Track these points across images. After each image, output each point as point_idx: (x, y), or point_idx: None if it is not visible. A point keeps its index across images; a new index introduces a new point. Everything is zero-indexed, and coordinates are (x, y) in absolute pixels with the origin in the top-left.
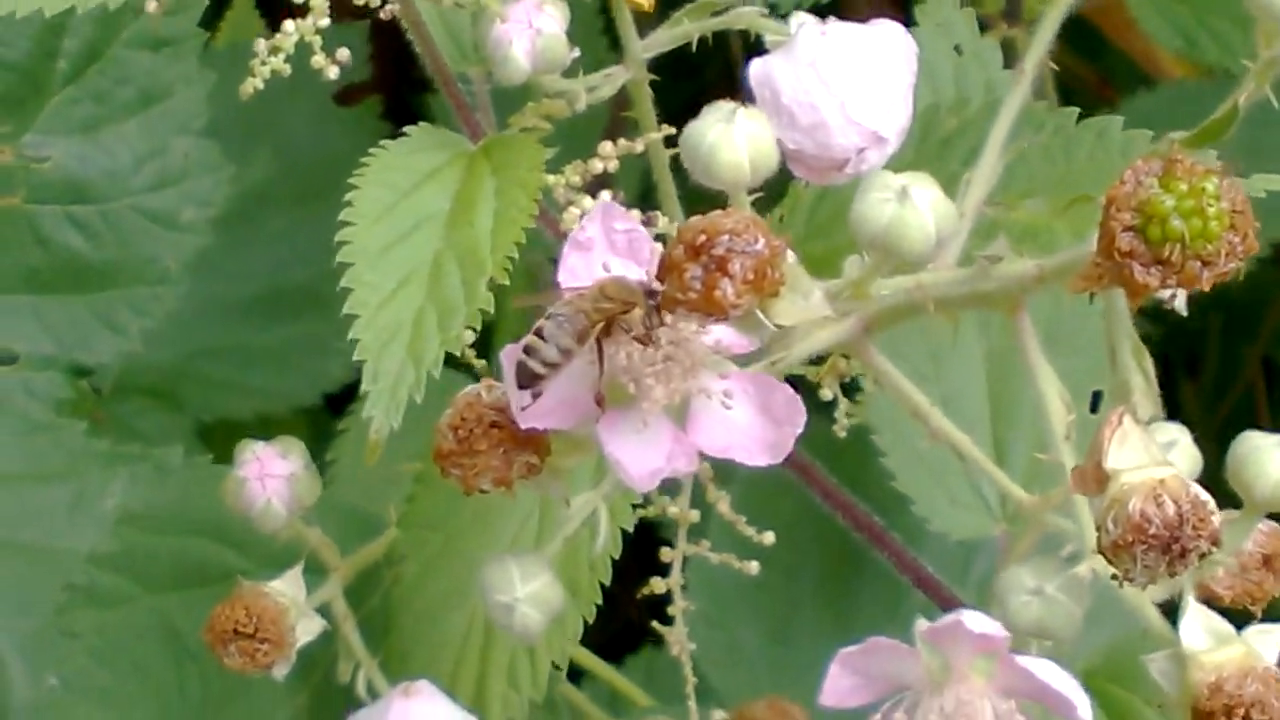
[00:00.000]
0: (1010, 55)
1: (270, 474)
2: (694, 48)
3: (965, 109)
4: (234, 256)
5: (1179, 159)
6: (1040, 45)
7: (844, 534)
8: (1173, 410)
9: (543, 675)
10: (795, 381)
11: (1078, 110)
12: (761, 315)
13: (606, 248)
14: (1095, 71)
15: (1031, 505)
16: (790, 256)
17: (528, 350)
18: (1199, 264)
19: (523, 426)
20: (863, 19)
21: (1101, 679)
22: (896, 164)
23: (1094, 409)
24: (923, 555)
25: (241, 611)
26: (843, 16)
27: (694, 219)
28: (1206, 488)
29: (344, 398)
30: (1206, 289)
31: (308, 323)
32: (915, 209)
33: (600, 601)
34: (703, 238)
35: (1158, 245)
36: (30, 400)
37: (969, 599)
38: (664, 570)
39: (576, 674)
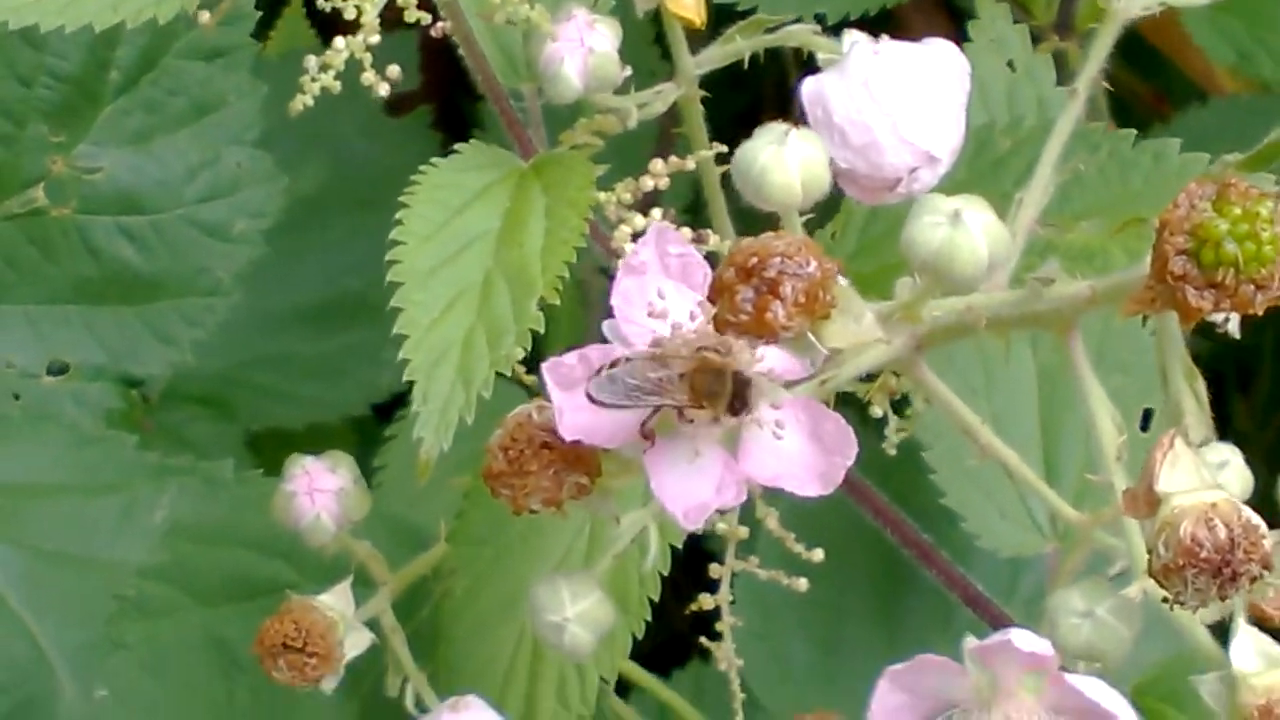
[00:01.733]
0: (1063, 69)
1: (319, 488)
2: (746, 64)
3: (1019, 129)
4: (285, 266)
5: (1233, 182)
6: (1094, 62)
7: (893, 550)
8: (1224, 426)
9: (591, 692)
10: (844, 398)
11: (1134, 132)
12: (813, 338)
13: (660, 271)
14: (1150, 87)
15: (1081, 524)
16: (842, 279)
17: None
18: (1252, 288)
19: (565, 438)
20: (916, 36)
21: (1152, 698)
22: (949, 183)
23: (1144, 428)
24: (971, 572)
25: (290, 626)
26: (896, 33)
27: (745, 241)
28: (1258, 507)
29: (392, 404)
30: (1260, 313)
31: (359, 333)
32: (967, 233)
33: (649, 618)
34: (754, 260)
35: (1211, 269)
36: (80, 411)
37: (1017, 615)
38: (713, 586)
39: (624, 688)
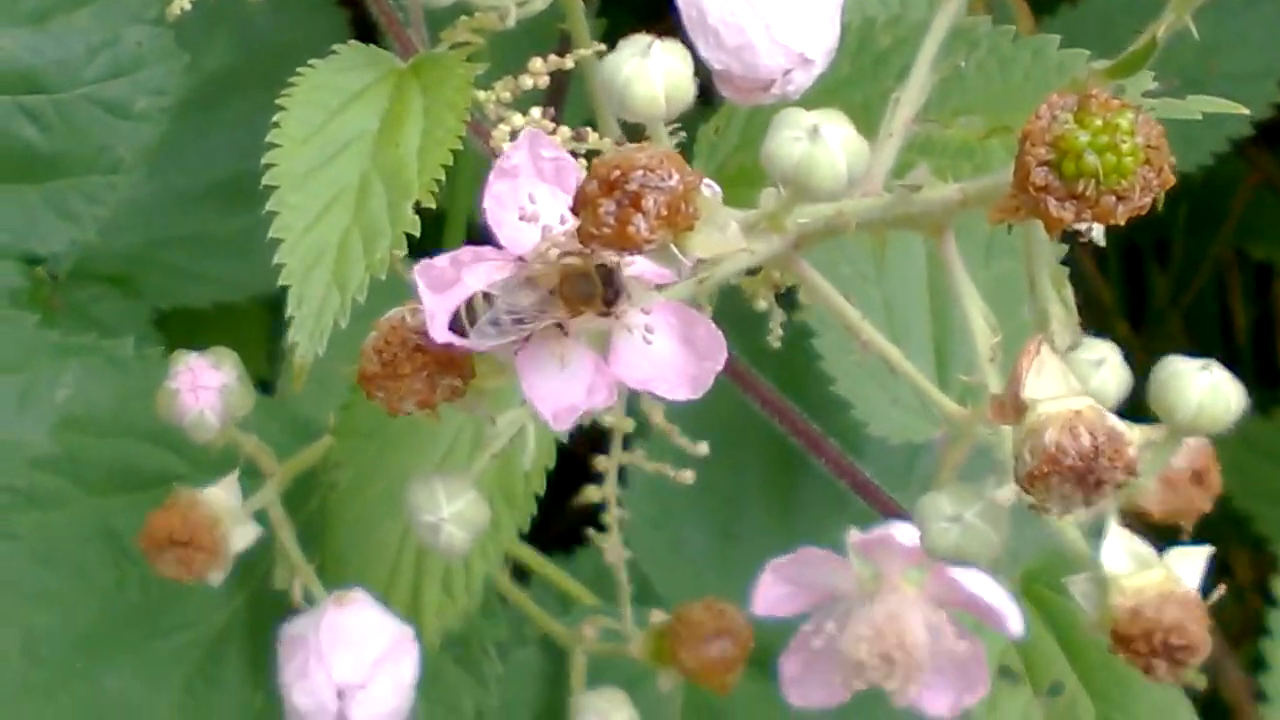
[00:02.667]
0: None
1: (202, 385)
2: None
3: (900, 24)
4: (193, 145)
5: (1094, 94)
6: None
7: (786, 438)
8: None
9: (477, 582)
10: (731, 290)
11: (1013, 28)
12: (676, 250)
13: (534, 175)
14: None
15: (962, 418)
16: (707, 190)
17: (472, 311)
18: (1113, 199)
19: (436, 340)
20: None
21: (1040, 584)
22: (830, 79)
23: None
24: (867, 457)
25: (176, 520)
26: None
27: (608, 153)
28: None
29: None
30: (1121, 223)
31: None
32: (826, 147)
33: (535, 512)
34: (617, 173)
35: (1072, 181)
36: None
37: (913, 499)
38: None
39: (524, 574)
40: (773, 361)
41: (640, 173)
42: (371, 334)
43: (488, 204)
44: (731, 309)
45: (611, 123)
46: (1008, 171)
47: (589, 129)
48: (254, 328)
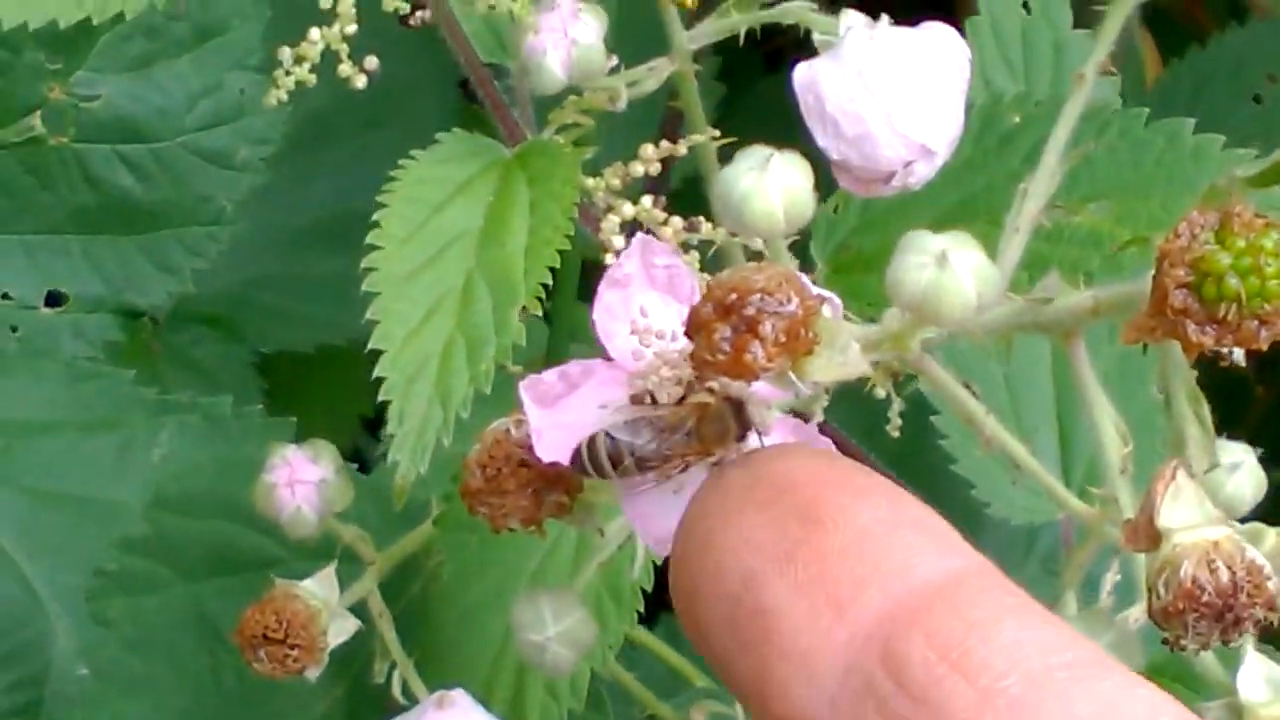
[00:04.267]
0: (1081, 10)
1: (300, 480)
2: (741, 41)
3: (1027, 102)
4: (293, 186)
5: (1237, 211)
6: (1110, 33)
7: None
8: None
9: (583, 685)
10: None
11: (1146, 111)
12: (794, 377)
13: (645, 283)
14: None
15: (1090, 517)
16: (828, 310)
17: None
18: (1256, 323)
19: (543, 458)
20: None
21: (1167, 678)
22: (955, 160)
23: None
24: (984, 533)
25: (271, 617)
26: None
27: (725, 273)
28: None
29: None
30: (1264, 348)
31: None
32: (954, 275)
33: (641, 609)
34: (733, 296)
35: (1213, 304)
36: (78, 343)
37: (1034, 576)
38: None
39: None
40: (887, 436)
41: (758, 296)
42: (475, 447)
43: (598, 315)
44: (844, 386)
45: None
46: (1143, 278)
47: (702, 219)
48: (358, 370)
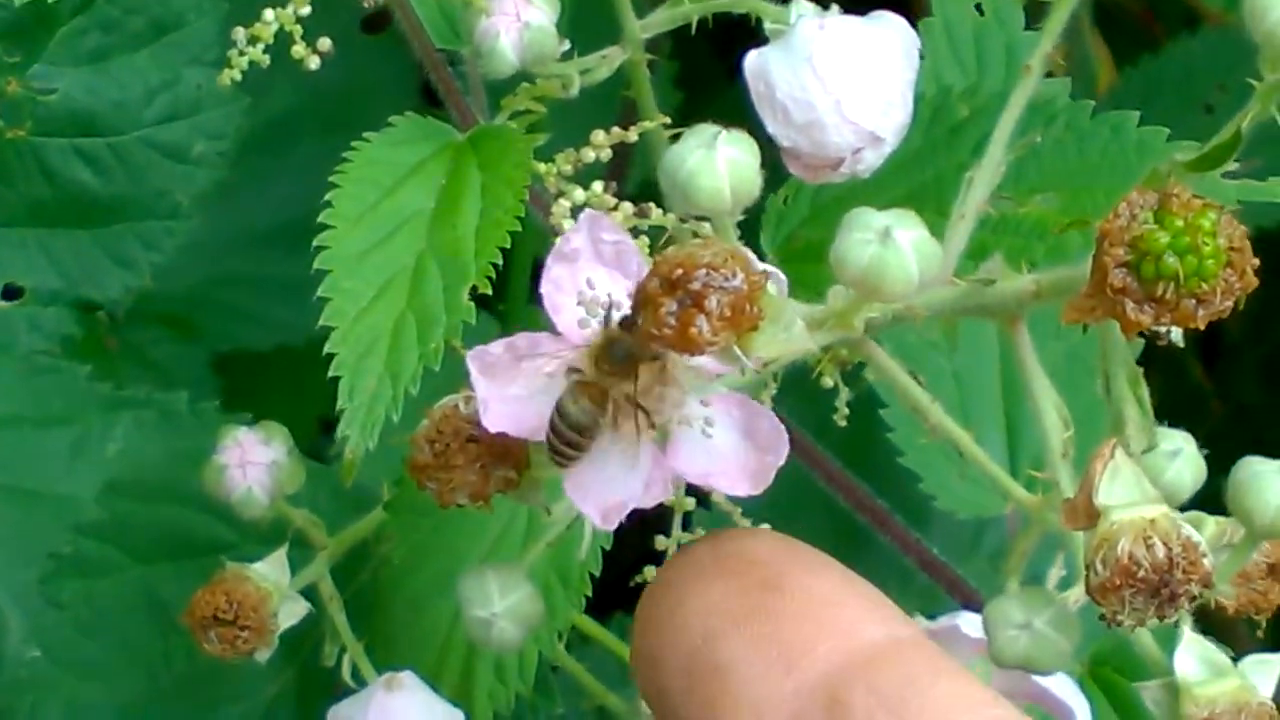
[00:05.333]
0: (1033, 12)
1: (251, 461)
2: (693, 30)
3: (976, 94)
4: (254, 187)
5: (1175, 192)
6: (1055, 25)
7: (847, 513)
8: (1218, 341)
9: (530, 668)
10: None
11: (1091, 103)
12: (739, 352)
13: (593, 258)
14: (1141, 3)
15: (1034, 505)
16: (773, 287)
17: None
18: (1194, 302)
19: (489, 429)
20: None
21: (1109, 668)
22: (901, 153)
23: None
24: (933, 528)
25: (221, 598)
26: None
27: (671, 249)
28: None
29: None
30: (1201, 326)
31: None
32: (898, 251)
33: (590, 593)
34: (679, 271)
35: (1151, 283)
36: (35, 337)
37: (980, 572)
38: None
39: (581, 639)
40: (835, 429)
41: (704, 271)
42: (423, 423)
43: (545, 289)
44: (793, 378)
45: None
46: (1084, 262)
47: (652, 205)
48: (315, 372)
